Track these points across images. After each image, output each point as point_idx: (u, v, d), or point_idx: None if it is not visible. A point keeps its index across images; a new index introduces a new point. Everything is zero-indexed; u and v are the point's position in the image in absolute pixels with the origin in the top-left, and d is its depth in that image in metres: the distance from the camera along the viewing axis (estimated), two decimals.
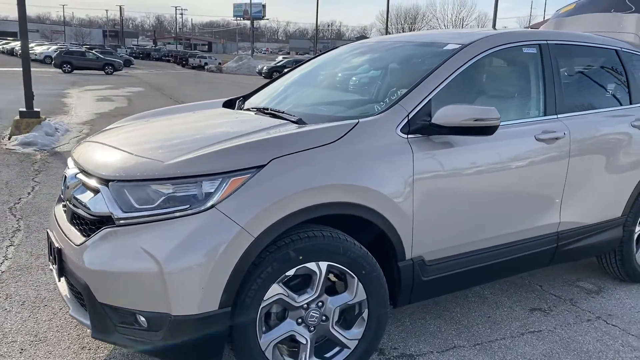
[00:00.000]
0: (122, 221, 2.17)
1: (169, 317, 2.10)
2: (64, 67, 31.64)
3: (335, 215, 2.40)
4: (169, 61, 60.38)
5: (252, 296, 2.22)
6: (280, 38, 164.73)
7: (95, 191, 2.32)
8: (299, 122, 2.71)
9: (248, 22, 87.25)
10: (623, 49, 3.69)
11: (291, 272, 2.29)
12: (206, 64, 48.22)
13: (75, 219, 2.45)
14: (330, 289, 2.47)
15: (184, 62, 51.61)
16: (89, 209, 2.31)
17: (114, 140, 2.74)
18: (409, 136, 2.59)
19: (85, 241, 2.27)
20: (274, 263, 2.24)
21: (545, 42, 3.22)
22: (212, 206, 2.12)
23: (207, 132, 2.64)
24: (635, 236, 3.68)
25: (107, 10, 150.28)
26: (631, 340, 3.04)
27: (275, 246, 2.25)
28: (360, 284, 2.44)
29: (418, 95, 2.68)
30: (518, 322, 3.22)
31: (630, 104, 3.59)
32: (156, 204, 2.15)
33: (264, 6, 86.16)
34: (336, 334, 2.45)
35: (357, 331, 2.49)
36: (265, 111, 3.05)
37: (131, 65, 44.74)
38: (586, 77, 3.68)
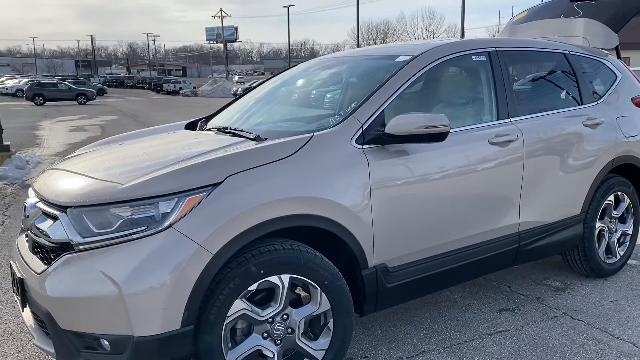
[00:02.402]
0: (81, 247, 2.18)
1: (131, 339, 2.11)
2: (36, 99, 31.43)
3: (297, 228, 2.45)
4: (143, 88, 60.23)
5: (216, 313, 2.24)
6: (255, 59, 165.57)
7: (55, 218, 2.33)
8: (257, 139, 2.76)
9: (222, 45, 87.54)
10: (571, 52, 3.83)
11: (254, 287, 2.32)
12: (181, 88, 48.20)
13: (37, 248, 2.46)
14: (296, 301, 2.50)
15: (158, 88, 51.56)
16: (48, 236, 2.32)
17: (74, 167, 2.76)
18: (364, 147, 2.66)
19: (46, 269, 2.27)
20: (235, 279, 2.27)
21: (494, 49, 3.33)
22: (169, 226, 2.15)
23: (166, 154, 2.67)
24: (596, 232, 3.79)
25: (78, 41, 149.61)
26: (595, 334, 3.11)
27: (236, 262, 2.28)
28: (323, 295, 2.47)
29: (371, 106, 2.75)
30: (486, 323, 3.27)
31: (581, 104, 3.71)
32: (114, 227, 2.18)
33: (236, 29, 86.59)
34: (303, 345, 2.47)
35: (323, 341, 2.52)
36: (225, 130, 3.10)
37: (105, 94, 44.55)
38: (537, 80, 3.81)
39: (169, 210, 2.17)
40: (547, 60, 3.81)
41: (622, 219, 4.00)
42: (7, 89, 43.10)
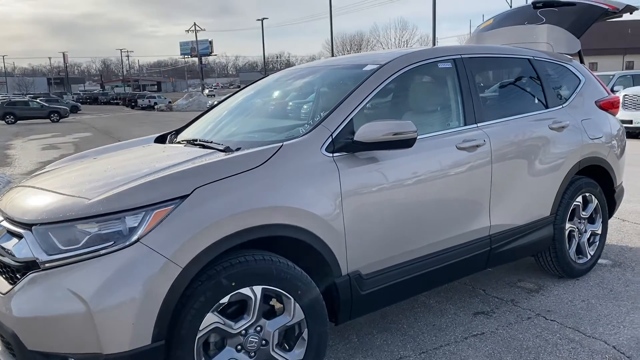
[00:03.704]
0: (47, 265, 2.14)
1: (101, 357, 2.07)
2: (7, 118, 30.86)
3: (269, 238, 2.44)
4: (117, 104, 59.70)
5: (187, 327, 2.22)
6: (231, 72, 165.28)
7: (20, 237, 2.29)
8: (227, 150, 2.76)
9: (197, 59, 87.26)
10: (536, 58, 3.91)
11: (225, 300, 2.30)
12: (156, 103, 47.86)
13: (2, 268, 2.40)
14: (270, 312, 2.48)
15: (133, 104, 51.10)
16: (13, 255, 2.27)
17: (40, 184, 2.72)
18: (335, 155, 2.67)
19: (11, 289, 2.22)
20: (206, 292, 2.24)
21: (459, 56, 3.39)
22: (137, 240, 2.12)
23: (134, 168, 2.65)
24: (567, 233, 3.85)
25: (50, 58, 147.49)
26: (568, 333, 3.16)
27: (207, 275, 2.26)
28: (297, 304, 2.46)
29: (340, 115, 2.77)
30: (462, 327, 3.29)
31: (547, 108, 3.79)
32: (81, 243, 2.14)
33: (210, 42, 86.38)
34: (277, 356, 2.45)
35: (298, 352, 2.51)
36: (195, 143, 3.08)
37: (78, 111, 44.03)
38: (503, 86, 3.88)
39: (136, 225, 2.15)
40: (512, 66, 3.89)
41: (591, 220, 4.08)
42: None
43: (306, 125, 2.86)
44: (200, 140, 3.08)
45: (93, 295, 2.04)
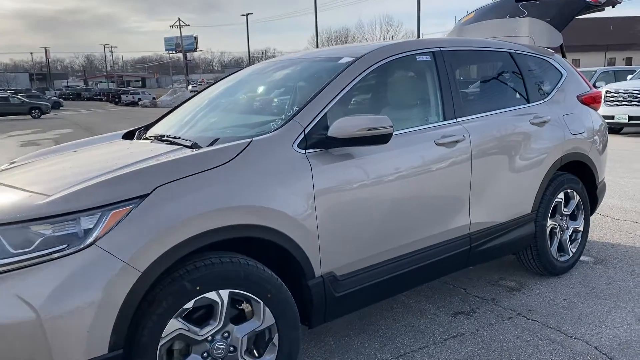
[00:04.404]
0: None
1: None
2: None
3: (237, 239, 2.32)
4: (101, 100, 59.00)
5: (148, 334, 2.09)
6: (216, 68, 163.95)
7: None
8: (194, 146, 2.63)
9: (181, 55, 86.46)
10: (517, 51, 3.82)
11: (190, 305, 2.18)
12: (140, 99, 47.35)
13: None
14: (240, 317, 2.36)
15: (116, 100, 50.56)
16: None
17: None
18: (307, 151, 2.56)
19: None
20: (168, 297, 2.12)
21: (438, 49, 3.28)
22: (92, 243, 1.99)
23: (94, 166, 2.51)
24: (548, 230, 3.78)
25: (32, 53, 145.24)
26: (549, 333, 3.08)
27: (170, 279, 2.14)
28: (267, 309, 2.35)
29: (313, 109, 2.65)
30: (441, 327, 3.20)
31: (528, 102, 3.71)
32: (34, 246, 1.99)
33: (195, 38, 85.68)
34: None
35: (269, 358, 2.39)
36: (162, 139, 2.95)
37: (61, 107, 43.35)
38: (483, 80, 3.80)
39: (91, 226, 2.01)
40: (492, 60, 3.80)
41: (573, 216, 4.01)
42: None
43: (278, 120, 2.73)
44: (167, 136, 2.95)
45: (43, 303, 1.90)
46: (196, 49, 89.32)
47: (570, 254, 3.97)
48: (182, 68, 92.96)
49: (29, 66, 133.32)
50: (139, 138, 3.28)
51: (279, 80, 3.59)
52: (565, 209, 3.91)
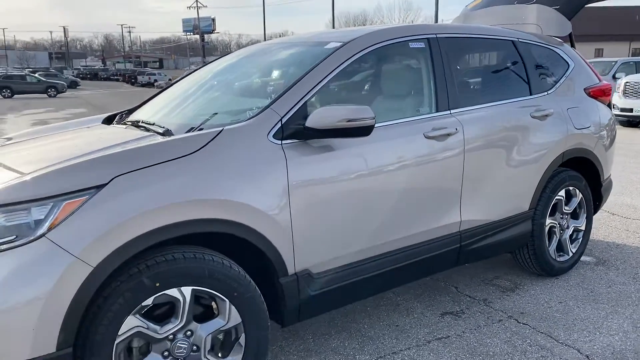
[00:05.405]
0: None
1: None
2: (3, 92, 30.52)
3: (204, 234, 2.20)
4: (117, 80, 59.23)
5: (104, 332, 1.99)
6: (233, 50, 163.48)
7: None
8: (166, 133, 2.51)
9: (199, 37, 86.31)
10: (520, 40, 3.62)
11: (149, 302, 2.07)
12: (156, 80, 47.38)
13: None
14: (205, 315, 2.25)
15: (132, 80, 50.71)
16: None
17: None
18: (284, 142, 2.42)
19: None
20: (125, 293, 2.01)
21: (434, 35, 3.10)
22: (42, 235, 1.88)
23: (58, 152, 2.40)
24: (547, 229, 3.60)
25: (51, 32, 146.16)
26: (540, 339, 2.92)
27: (127, 274, 2.03)
28: (232, 307, 2.23)
29: (291, 98, 2.50)
30: (427, 328, 3.07)
31: (530, 94, 3.51)
32: None
33: (213, 20, 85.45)
34: None
35: (234, 358, 2.28)
36: (138, 124, 2.82)
37: (77, 87, 43.60)
38: (482, 70, 3.60)
39: (42, 217, 1.90)
40: (493, 48, 3.60)
41: (575, 215, 3.83)
42: None
43: (255, 108, 2.59)
44: (143, 122, 2.82)
45: None
46: (213, 30, 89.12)
47: (570, 254, 3.79)
48: (200, 50, 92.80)
49: (48, 45, 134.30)
50: (118, 123, 3.16)
51: (266, 65, 3.44)
52: (566, 207, 3.73)
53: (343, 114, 2.38)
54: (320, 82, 2.60)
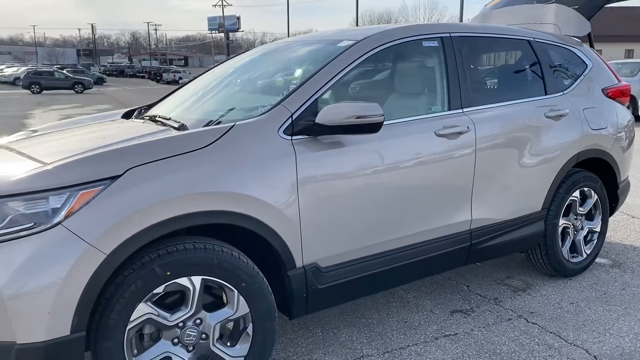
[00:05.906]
0: None
1: (14, 346, 1.93)
2: (32, 88, 31.17)
3: (216, 225, 2.27)
4: (143, 77, 60.07)
5: (116, 318, 2.07)
6: None
7: None
8: (181, 128, 2.58)
9: (223, 35, 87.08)
10: (536, 39, 3.60)
11: (160, 290, 2.15)
12: (180, 78, 47.88)
13: None
14: (214, 304, 2.32)
15: (158, 78, 51.34)
16: None
17: None
18: (294, 138, 2.47)
19: None
20: (137, 281, 2.09)
21: (447, 34, 3.12)
22: (59, 223, 1.96)
23: (77, 145, 2.48)
24: (560, 229, 3.58)
25: (79, 29, 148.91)
26: (548, 338, 2.92)
27: (140, 262, 2.10)
28: (241, 297, 2.29)
29: (303, 94, 2.55)
30: (435, 325, 3.09)
31: (545, 94, 3.50)
32: (3, 223, 1.99)
33: (238, 18, 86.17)
34: (219, 352, 2.30)
35: (241, 347, 2.35)
36: (155, 119, 2.91)
37: (104, 83, 44.36)
38: (497, 69, 3.60)
39: (59, 206, 1.99)
40: (508, 48, 3.60)
41: (589, 216, 3.80)
42: (5, 77, 42.93)
43: (268, 105, 2.64)
44: (160, 117, 2.91)
45: (6, 281, 1.89)
46: (238, 29, 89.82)
47: (584, 256, 3.76)
48: (224, 48, 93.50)
49: (76, 42, 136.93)
50: (137, 117, 3.25)
51: (283, 62, 3.50)
52: (580, 208, 3.70)
53: (352, 110, 2.42)
54: (331, 79, 2.64)
